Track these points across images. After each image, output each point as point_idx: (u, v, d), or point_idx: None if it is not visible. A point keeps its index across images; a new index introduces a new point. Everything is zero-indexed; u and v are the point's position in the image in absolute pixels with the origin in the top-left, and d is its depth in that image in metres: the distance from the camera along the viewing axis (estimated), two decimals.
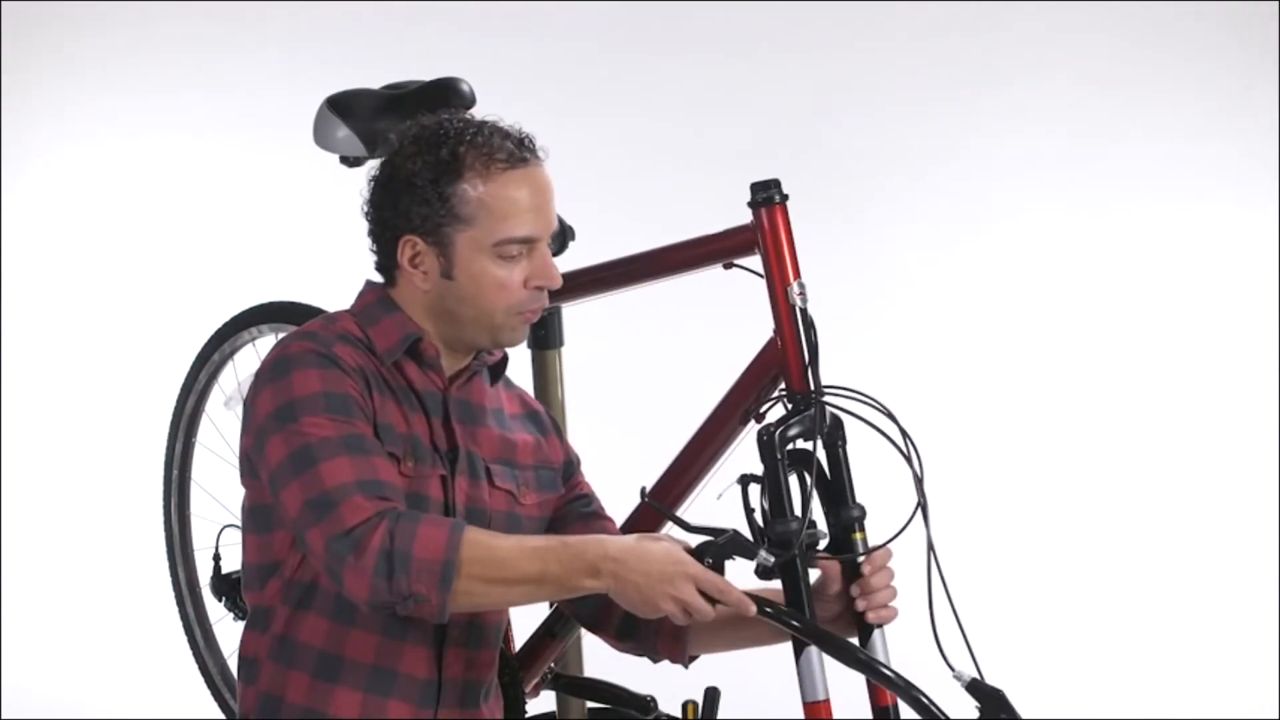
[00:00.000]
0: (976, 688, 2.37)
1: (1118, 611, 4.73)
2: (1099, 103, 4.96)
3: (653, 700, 2.82)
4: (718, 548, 2.38)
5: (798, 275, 2.62)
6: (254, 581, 2.51)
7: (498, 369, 2.62)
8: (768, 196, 2.63)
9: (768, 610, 2.37)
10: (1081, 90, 4.97)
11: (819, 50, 5.01)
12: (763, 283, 2.64)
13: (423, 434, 2.47)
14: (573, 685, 3.01)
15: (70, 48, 5.05)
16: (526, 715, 2.92)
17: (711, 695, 2.71)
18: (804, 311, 2.60)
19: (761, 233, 2.63)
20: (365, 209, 2.55)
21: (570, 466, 2.70)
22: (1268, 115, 4.91)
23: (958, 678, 2.39)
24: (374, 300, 2.54)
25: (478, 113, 3.03)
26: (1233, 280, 4.93)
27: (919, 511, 2.49)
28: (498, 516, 2.53)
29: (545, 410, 2.73)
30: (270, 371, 2.42)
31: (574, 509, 2.67)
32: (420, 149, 2.46)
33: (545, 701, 3.08)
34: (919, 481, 2.51)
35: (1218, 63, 4.95)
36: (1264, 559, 4.75)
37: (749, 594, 2.36)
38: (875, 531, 2.55)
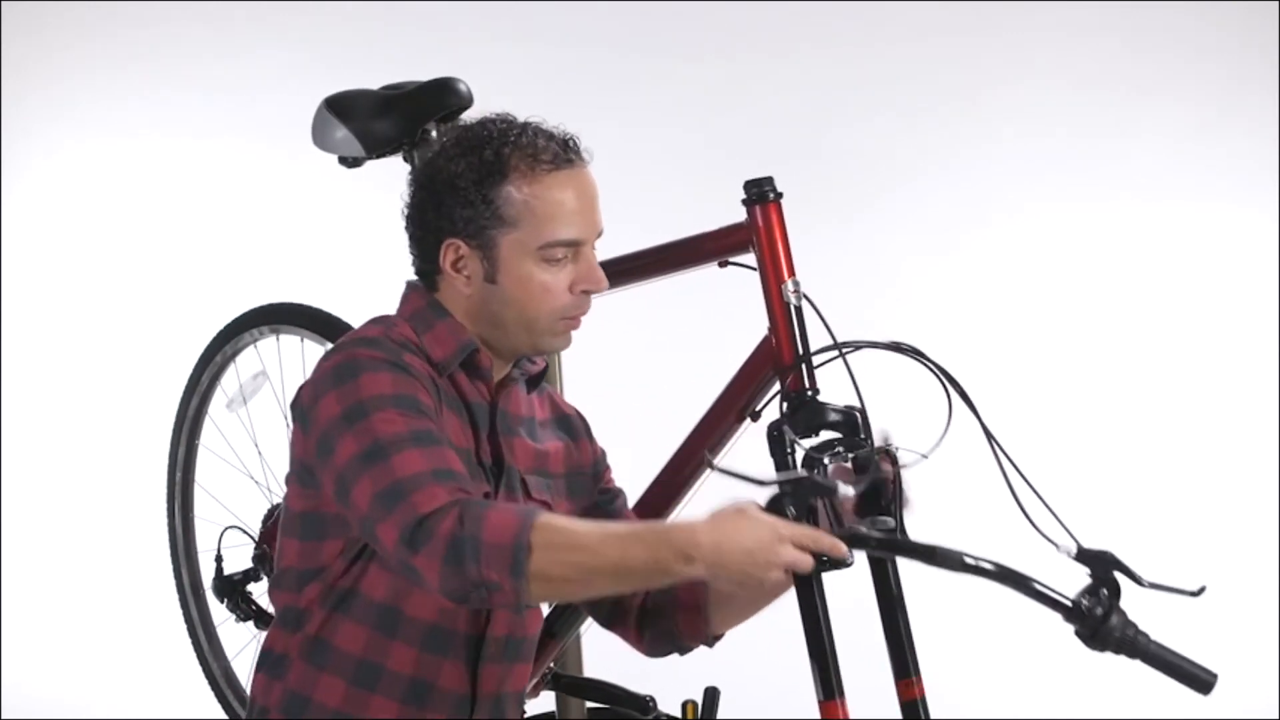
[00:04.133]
0: (1084, 554, 2.43)
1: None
2: (1099, 103, 4.97)
3: (651, 700, 2.82)
4: (797, 496, 2.32)
5: (792, 273, 2.62)
6: (291, 583, 2.47)
7: (537, 378, 2.58)
8: (761, 194, 2.64)
9: (870, 542, 2.32)
10: (1081, 90, 4.97)
11: (818, 51, 5.01)
12: (758, 280, 2.64)
13: (472, 448, 2.45)
14: (572, 685, 3.01)
15: (70, 49, 5.06)
16: (525, 715, 2.93)
17: (711, 695, 2.72)
18: (799, 309, 2.60)
19: (755, 230, 2.63)
20: (406, 211, 2.49)
21: (598, 467, 2.67)
22: (1268, 115, 4.91)
23: (1064, 550, 2.45)
24: (424, 305, 2.48)
25: (473, 112, 3.06)
26: (1233, 280, 4.93)
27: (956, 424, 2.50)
28: None
29: (577, 412, 2.69)
30: (334, 375, 2.36)
31: (598, 506, 2.65)
32: (463, 150, 2.42)
33: (545, 702, 3.09)
34: (951, 384, 2.49)
35: (1218, 63, 4.95)
36: (1264, 559, 4.75)
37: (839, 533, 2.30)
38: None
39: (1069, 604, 2.35)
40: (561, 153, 2.42)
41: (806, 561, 2.24)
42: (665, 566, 2.21)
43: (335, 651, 2.43)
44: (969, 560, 2.34)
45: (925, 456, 2.45)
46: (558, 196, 2.40)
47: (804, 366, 2.59)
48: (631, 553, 2.20)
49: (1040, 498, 2.46)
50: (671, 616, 2.61)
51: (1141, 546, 4.79)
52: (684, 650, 2.66)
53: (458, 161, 2.42)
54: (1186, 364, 4.90)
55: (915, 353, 2.53)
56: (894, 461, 2.49)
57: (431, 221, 2.44)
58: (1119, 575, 2.38)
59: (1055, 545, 2.44)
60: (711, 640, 2.63)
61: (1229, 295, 4.92)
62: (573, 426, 2.65)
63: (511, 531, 2.19)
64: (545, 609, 2.78)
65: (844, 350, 2.54)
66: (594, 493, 2.65)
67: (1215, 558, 4.76)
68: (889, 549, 2.36)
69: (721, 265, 2.72)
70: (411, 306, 2.49)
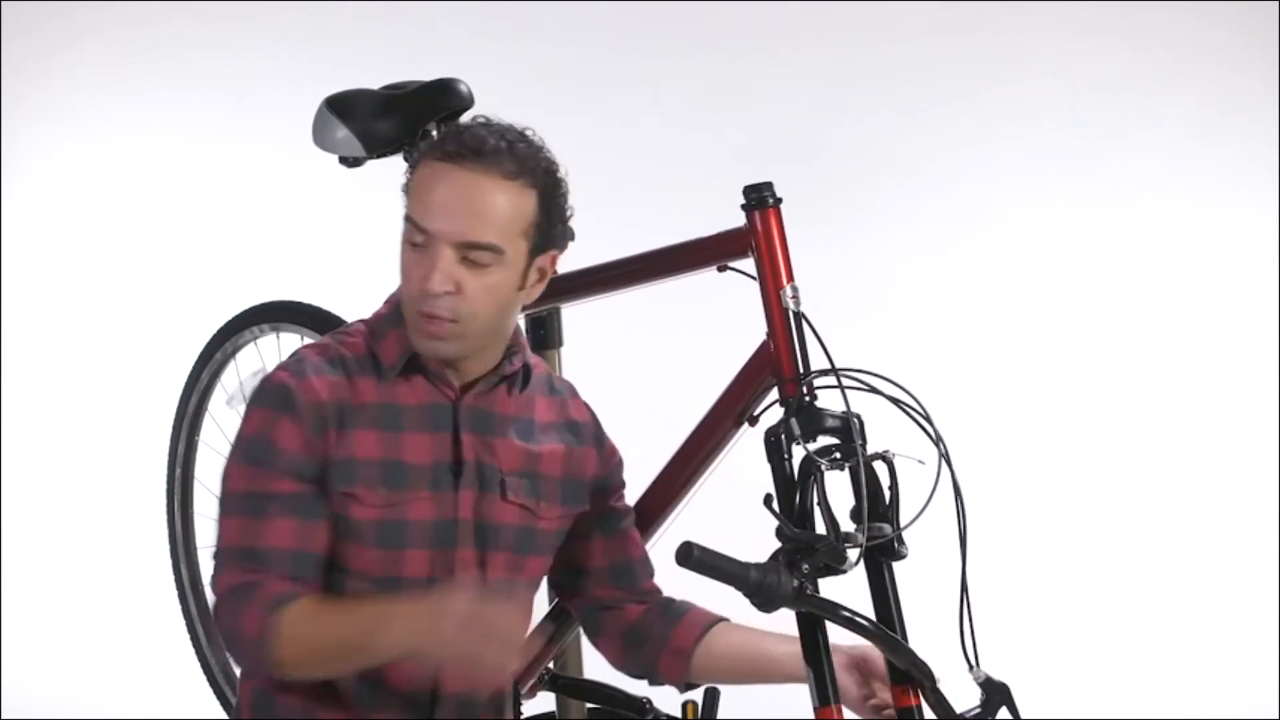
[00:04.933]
0: (988, 683, 2.48)
1: (1118, 611, 4.73)
2: (1098, 103, 4.96)
3: (649, 702, 2.82)
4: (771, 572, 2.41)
5: (791, 278, 2.62)
6: None
7: (514, 379, 2.56)
8: (761, 199, 2.64)
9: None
10: (1081, 90, 4.96)
11: (816, 52, 5.01)
12: (756, 285, 2.64)
13: (416, 454, 2.46)
14: (571, 686, 3.02)
15: (70, 48, 5.05)
16: (524, 716, 2.93)
17: (711, 695, 2.72)
18: (797, 314, 2.60)
19: (754, 235, 2.63)
20: None
21: (606, 481, 2.67)
22: (1268, 115, 4.90)
23: (975, 674, 2.49)
24: (387, 312, 2.54)
25: (477, 112, 3.05)
26: (1233, 280, 4.92)
27: (957, 514, 2.51)
28: (508, 530, 2.52)
29: (592, 420, 2.69)
30: (253, 395, 2.48)
31: (598, 526, 2.66)
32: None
33: (544, 702, 3.09)
34: (945, 458, 2.50)
35: (1218, 63, 4.94)
36: (1264, 559, 4.74)
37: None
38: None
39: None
40: (461, 150, 2.42)
41: (511, 665, 2.38)
42: (374, 644, 2.34)
43: None
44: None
45: (922, 462, 2.46)
46: (428, 181, 2.42)
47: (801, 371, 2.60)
48: (349, 633, 2.35)
49: (969, 616, 2.48)
50: (656, 650, 2.67)
51: (1142, 545, 4.83)
52: (655, 683, 2.73)
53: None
54: (1186, 363, 4.89)
55: (904, 406, 2.53)
56: (891, 468, 2.49)
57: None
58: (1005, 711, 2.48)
59: (971, 665, 2.51)
60: (684, 687, 2.69)
61: (1229, 295, 4.91)
62: (581, 432, 2.64)
63: (256, 625, 2.35)
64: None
65: (841, 376, 2.54)
66: (587, 505, 2.64)
67: (1215, 558, 4.76)
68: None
69: (720, 270, 2.71)
70: (378, 313, 2.56)
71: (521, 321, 3.11)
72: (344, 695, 2.46)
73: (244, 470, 2.43)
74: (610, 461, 2.68)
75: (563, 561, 2.66)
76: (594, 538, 2.66)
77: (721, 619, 2.67)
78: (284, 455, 2.41)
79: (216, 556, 2.43)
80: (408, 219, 2.43)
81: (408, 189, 2.46)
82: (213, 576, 2.43)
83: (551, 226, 2.48)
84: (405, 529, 2.45)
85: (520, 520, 2.53)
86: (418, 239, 2.41)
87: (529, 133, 2.49)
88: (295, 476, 2.41)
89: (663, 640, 2.66)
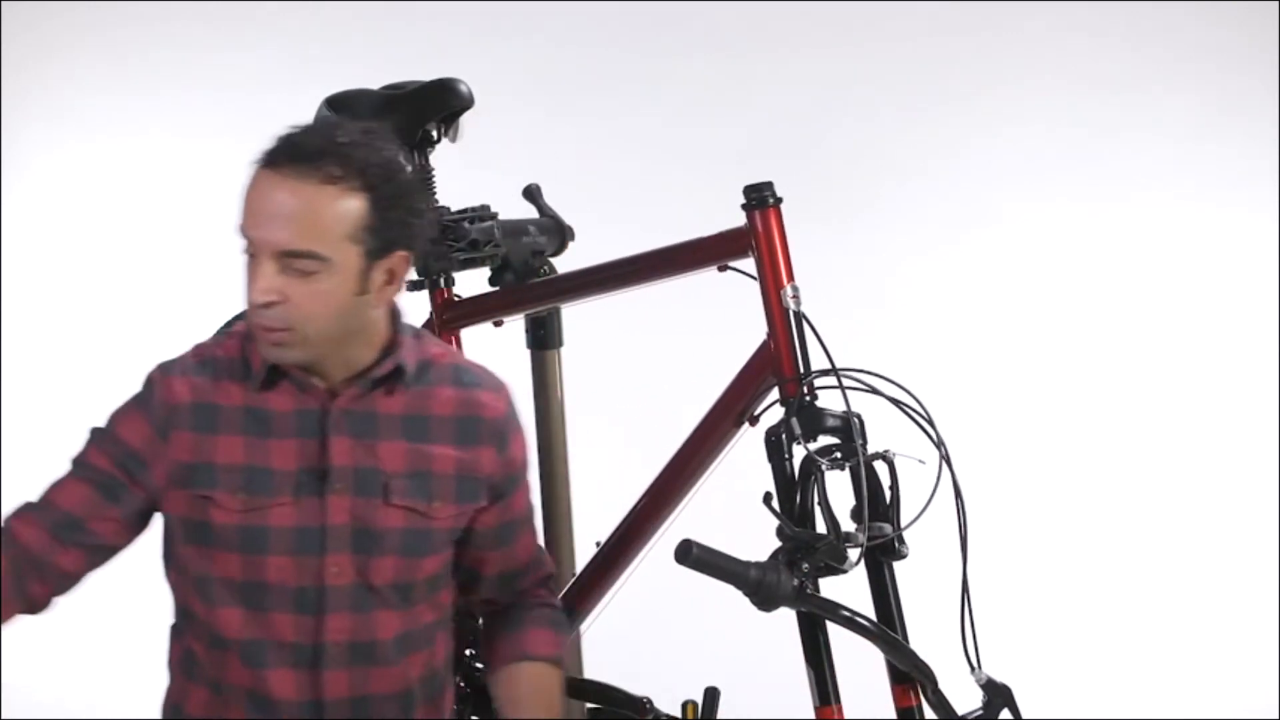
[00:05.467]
0: (990, 684, 2.49)
1: (1118, 611, 4.73)
2: (1099, 103, 4.96)
3: (648, 701, 2.83)
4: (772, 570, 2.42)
5: (791, 278, 2.62)
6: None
7: (391, 379, 2.49)
8: (761, 199, 2.64)
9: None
10: (1081, 90, 4.96)
11: (816, 52, 5.00)
12: (756, 285, 2.64)
13: (282, 460, 2.44)
14: (571, 686, 3.02)
15: (70, 47, 5.05)
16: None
17: (711, 695, 2.72)
18: (798, 314, 2.60)
19: (755, 235, 2.64)
20: None
21: (502, 484, 2.58)
22: (1268, 115, 4.90)
23: (977, 676, 2.50)
24: None
25: (477, 112, 3.06)
26: (1233, 281, 4.92)
27: (957, 516, 2.52)
28: (392, 534, 2.47)
29: (501, 416, 2.57)
30: None
31: (491, 538, 2.60)
32: None
33: None
34: (946, 459, 2.51)
35: (1218, 63, 4.94)
36: (1264, 559, 4.74)
37: None
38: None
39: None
40: (279, 155, 2.36)
41: None
42: None
43: (200, 664, 2.50)
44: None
45: (923, 462, 2.46)
46: (250, 189, 2.38)
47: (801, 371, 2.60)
48: None
49: (971, 618, 2.48)
50: (485, 652, 2.70)
51: (1141, 546, 4.83)
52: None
53: None
54: (1186, 364, 4.89)
55: (904, 406, 2.54)
56: (892, 468, 2.50)
57: None
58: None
59: (972, 666, 2.52)
60: None
61: (1229, 296, 4.91)
62: (480, 430, 2.54)
63: None
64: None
65: (841, 376, 2.54)
66: (484, 503, 2.56)
67: (1215, 558, 4.76)
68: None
69: (721, 269, 2.72)
70: None
71: (521, 321, 3.13)
72: (234, 700, 2.47)
73: (86, 441, 2.50)
74: (510, 463, 2.58)
75: (458, 561, 2.61)
76: (488, 549, 2.61)
77: (530, 658, 2.61)
78: (118, 445, 2.46)
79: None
80: (238, 228, 2.39)
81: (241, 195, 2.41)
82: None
83: (390, 228, 2.37)
84: (266, 535, 2.43)
85: (407, 523, 2.48)
86: (247, 248, 2.38)
87: (372, 129, 2.41)
88: (113, 460, 2.46)
89: (489, 645, 2.68)
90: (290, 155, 2.34)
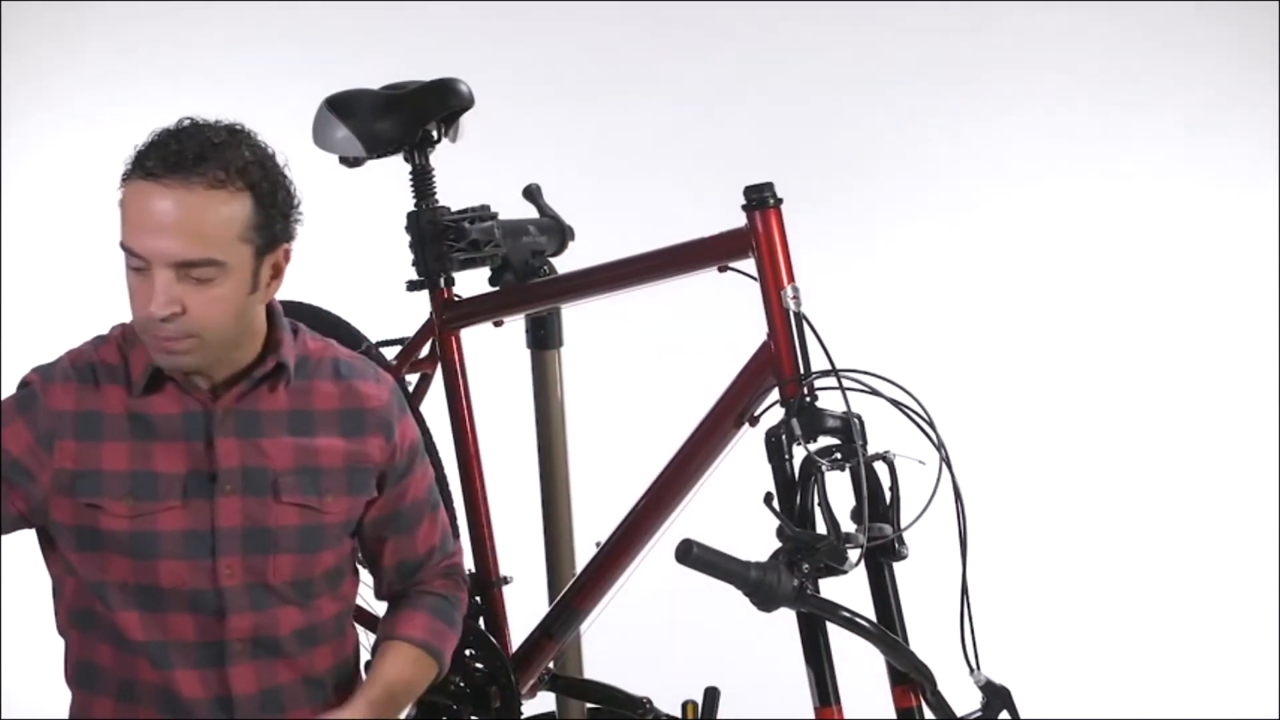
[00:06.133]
0: (989, 686, 2.48)
1: (1118, 612, 4.73)
2: (1099, 102, 4.96)
3: (648, 701, 2.83)
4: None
5: (791, 279, 2.62)
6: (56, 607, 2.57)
7: (273, 377, 2.46)
8: (761, 199, 2.63)
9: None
10: (1082, 90, 4.96)
11: (816, 52, 5.00)
12: (756, 286, 2.64)
13: (168, 464, 2.42)
14: (570, 686, 3.02)
15: (70, 44, 5.04)
16: (524, 716, 2.93)
17: (711, 695, 2.73)
18: (798, 315, 2.60)
19: (755, 236, 2.63)
20: None
21: (393, 470, 2.56)
22: (1268, 112, 4.91)
23: (976, 677, 2.50)
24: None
25: (477, 112, 3.06)
26: (1234, 281, 4.92)
27: (956, 510, 2.52)
28: (286, 532, 2.46)
29: (384, 404, 2.54)
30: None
31: (387, 526, 2.58)
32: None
33: (544, 702, 3.09)
34: (946, 461, 2.50)
35: (1217, 61, 4.94)
36: (1264, 559, 4.74)
37: None
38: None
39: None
40: (160, 166, 2.30)
41: None
42: None
43: (101, 672, 2.47)
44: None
45: (923, 463, 2.46)
46: (128, 202, 2.33)
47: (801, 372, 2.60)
48: None
49: (970, 619, 2.50)
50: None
51: (1141, 546, 4.83)
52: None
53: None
54: (1187, 362, 4.89)
55: (904, 407, 2.54)
56: (892, 468, 2.50)
57: None
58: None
59: (971, 668, 2.52)
60: None
61: (1230, 296, 4.91)
62: (365, 420, 2.52)
63: None
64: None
65: (842, 377, 2.54)
66: (374, 493, 2.54)
67: (1215, 558, 4.76)
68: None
69: (721, 270, 2.71)
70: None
71: (521, 321, 3.13)
72: (144, 699, 2.45)
73: None
74: (400, 448, 2.56)
75: (362, 550, 2.61)
76: (384, 538, 2.59)
77: (392, 638, 2.58)
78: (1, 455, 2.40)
79: None
80: (121, 245, 2.34)
81: (121, 208, 2.36)
82: None
83: (273, 223, 2.36)
84: (156, 540, 2.40)
85: (301, 520, 2.46)
86: (136, 264, 2.33)
87: (236, 127, 2.38)
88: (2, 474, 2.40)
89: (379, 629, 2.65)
90: (169, 164, 2.30)
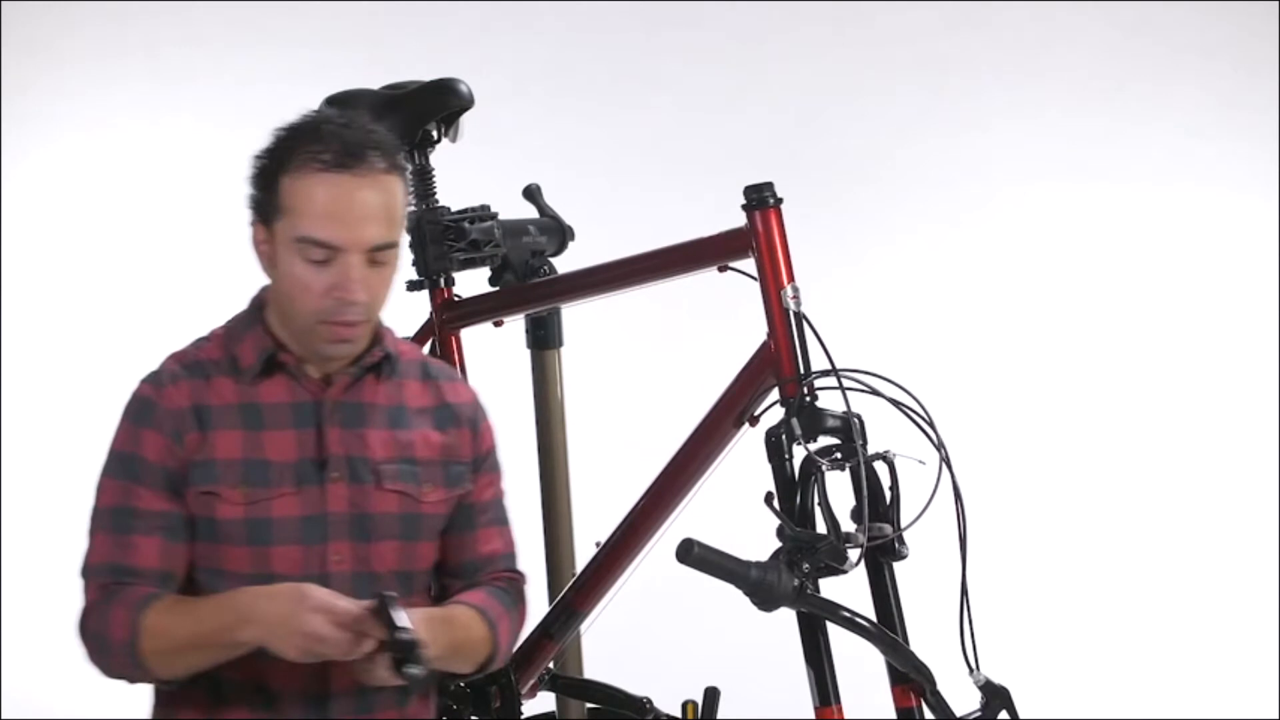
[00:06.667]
0: (989, 686, 2.48)
1: (1118, 612, 4.74)
2: (1100, 102, 4.96)
3: (648, 701, 2.83)
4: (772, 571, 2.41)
5: (791, 278, 2.62)
6: None
7: (379, 368, 2.55)
8: (761, 199, 2.63)
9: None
10: (1082, 90, 4.97)
11: (816, 52, 5.00)
12: (756, 285, 2.64)
13: (280, 452, 2.47)
14: (570, 686, 3.02)
15: (69, 45, 5.04)
16: (523, 716, 2.93)
17: (711, 695, 2.73)
18: (798, 315, 2.60)
19: (755, 236, 2.63)
20: None
21: (477, 465, 2.63)
22: (1268, 112, 4.91)
23: (975, 677, 2.50)
24: (245, 314, 2.56)
25: (477, 112, 3.06)
26: (1234, 281, 4.93)
27: (957, 515, 2.52)
28: (388, 519, 2.51)
29: (470, 402, 2.64)
30: (124, 408, 2.53)
31: (454, 521, 2.61)
32: (274, 137, 2.48)
33: (544, 702, 3.09)
34: (946, 461, 2.50)
35: (1218, 61, 4.95)
36: (1264, 559, 4.75)
37: None
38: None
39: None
40: (339, 157, 2.41)
41: (337, 638, 2.33)
42: (226, 632, 2.37)
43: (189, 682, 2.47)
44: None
45: (923, 463, 2.46)
46: (316, 195, 2.40)
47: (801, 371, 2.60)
48: (202, 624, 2.38)
49: (970, 619, 2.51)
50: None
51: (1141, 546, 4.83)
52: None
53: (266, 147, 2.48)
54: (1186, 362, 4.89)
55: (904, 407, 2.54)
56: (892, 468, 2.50)
57: (249, 199, 2.51)
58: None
59: (971, 668, 2.52)
60: None
61: (1230, 297, 4.92)
62: (456, 416, 2.61)
63: (126, 627, 2.39)
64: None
65: (842, 376, 2.54)
66: (470, 486, 2.61)
67: (1215, 558, 4.76)
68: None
69: (721, 270, 2.71)
70: (237, 316, 2.57)
71: (521, 321, 3.13)
72: (234, 700, 2.47)
73: (113, 486, 2.48)
74: (480, 445, 2.63)
75: None
76: (447, 534, 2.62)
77: (453, 603, 2.59)
78: (148, 468, 2.46)
79: (83, 573, 2.47)
80: (305, 238, 2.40)
81: (283, 207, 2.42)
82: (83, 591, 2.46)
83: (405, 205, 2.51)
84: (271, 526, 2.46)
85: (401, 508, 2.52)
86: (318, 255, 2.41)
87: (365, 119, 2.50)
88: (162, 491, 2.45)
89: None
90: (352, 154, 2.41)
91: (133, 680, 2.46)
